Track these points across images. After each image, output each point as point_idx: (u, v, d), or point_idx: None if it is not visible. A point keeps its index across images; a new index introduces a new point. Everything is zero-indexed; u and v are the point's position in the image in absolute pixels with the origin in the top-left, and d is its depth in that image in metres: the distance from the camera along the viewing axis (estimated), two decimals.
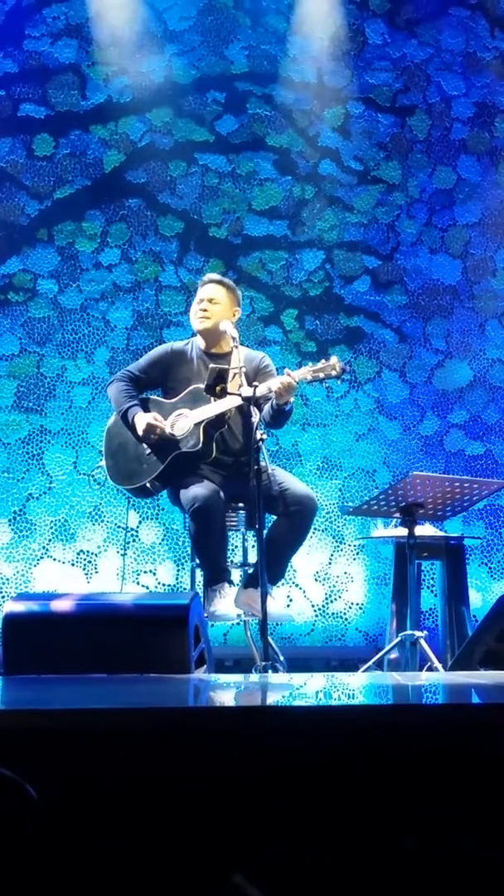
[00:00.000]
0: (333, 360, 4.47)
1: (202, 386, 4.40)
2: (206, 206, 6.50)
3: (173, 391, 4.69)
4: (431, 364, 6.56)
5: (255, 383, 4.30)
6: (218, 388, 4.29)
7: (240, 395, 4.24)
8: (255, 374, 4.64)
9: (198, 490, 4.37)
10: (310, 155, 6.61)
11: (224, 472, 4.59)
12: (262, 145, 6.58)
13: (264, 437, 4.09)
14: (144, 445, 4.59)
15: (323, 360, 4.48)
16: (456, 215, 6.68)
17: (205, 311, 4.72)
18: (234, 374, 4.35)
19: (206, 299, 4.74)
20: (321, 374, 4.43)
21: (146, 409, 4.65)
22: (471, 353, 6.59)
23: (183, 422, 4.55)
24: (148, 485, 4.60)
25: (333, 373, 4.44)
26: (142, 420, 4.58)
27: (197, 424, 4.51)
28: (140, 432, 4.56)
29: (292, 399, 4.50)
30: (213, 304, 4.72)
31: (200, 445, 4.49)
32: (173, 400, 4.64)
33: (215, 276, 4.91)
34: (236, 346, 4.48)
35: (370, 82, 6.70)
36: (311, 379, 4.44)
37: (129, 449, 4.64)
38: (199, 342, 4.79)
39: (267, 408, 4.51)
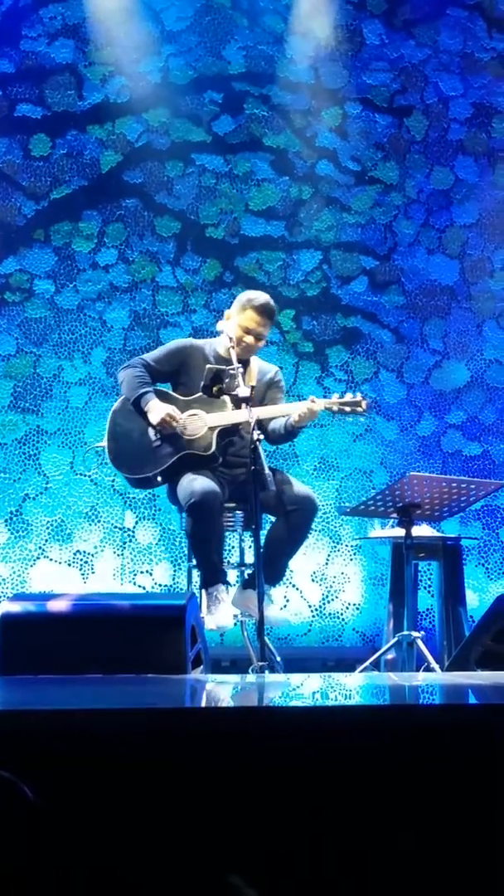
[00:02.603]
0: (360, 397, 4.51)
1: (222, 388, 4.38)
2: (203, 206, 6.50)
3: (183, 387, 4.65)
4: (429, 364, 6.56)
5: (251, 384, 4.31)
6: (215, 389, 4.29)
7: (237, 395, 4.23)
8: (267, 388, 4.65)
9: (195, 486, 4.35)
10: (307, 155, 6.61)
11: (232, 474, 4.58)
12: (259, 146, 6.59)
13: (261, 437, 4.09)
14: (152, 436, 4.54)
15: (350, 395, 4.53)
16: (453, 216, 6.68)
17: (252, 348, 4.62)
18: (232, 375, 4.33)
19: (255, 335, 4.61)
20: (347, 409, 4.48)
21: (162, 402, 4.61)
22: (468, 353, 6.59)
23: (197, 423, 4.53)
24: (151, 477, 4.57)
25: (359, 410, 4.50)
26: (159, 409, 4.52)
27: (211, 429, 4.50)
28: (154, 421, 4.52)
29: (307, 425, 4.56)
30: (259, 340, 4.65)
31: (213, 450, 4.48)
32: (188, 398, 4.60)
33: (272, 307, 4.68)
34: (233, 347, 4.45)
35: (367, 83, 6.70)
36: (336, 410, 4.49)
37: (135, 437, 4.58)
38: (219, 346, 4.73)
39: (280, 424, 4.52)
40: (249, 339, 4.56)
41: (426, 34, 6.78)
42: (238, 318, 4.61)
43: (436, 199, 6.69)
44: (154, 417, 4.52)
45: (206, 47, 6.60)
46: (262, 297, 4.69)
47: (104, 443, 4.68)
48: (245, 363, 4.59)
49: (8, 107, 6.42)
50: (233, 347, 4.44)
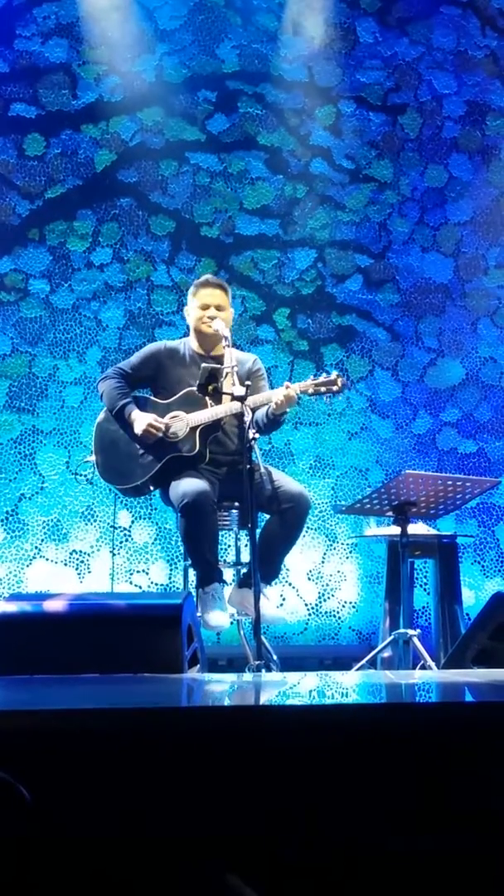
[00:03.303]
0: (335, 375, 4.50)
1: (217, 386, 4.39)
2: (197, 205, 6.50)
3: (164, 391, 4.67)
4: (424, 362, 6.57)
5: (247, 382, 4.31)
6: (210, 388, 4.29)
7: (231, 394, 4.23)
8: (247, 377, 4.64)
9: (187, 486, 4.36)
10: (301, 154, 6.61)
11: (221, 472, 4.59)
12: (253, 144, 6.59)
13: (256, 436, 4.09)
14: (137, 445, 4.57)
15: (324, 375, 4.52)
16: (448, 214, 6.69)
17: (213, 318, 4.62)
18: (227, 374, 4.35)
19: (214, 306, 4.66)
20: (322, 389, 4.48)
21: (143, 409, 4.63)
22: (463, 351, 6.60)
23: (178, 424, 4.54)
24: (141, 485, 4.59)
25: (335, 388, 4.49)
26: (141, 419, 4.55)
27: (193, 429, 4.51)
28: (138, 431, 4.54)
29: (288, 410, 4.54)
30: (221, 310, 4.66)
31: (198, 449, 4.49)
32: (168, 401, 4.62)
33: (216, 279, 4.83)
34: (228, 346, 4.48)
35: (361, 81, 6.70)
36: (312, 392, 4.48)
37: (121, 447, 4.61)
38: (193, 343, 4.76)
39: (262, 414, 4.52)
40: (211, 311, 4.62)
41: (420, 32, 6.78)
42: (193, 302, 4.71)
43: (430, 196, 6.69)
44: (137, 428, 4.54)
45: (200, 46, 6.60)
46: (204, 276, 4.88)
47: (93, 457, 4.71)
48: (220, 358, 4.59)
49: (2, 106, 6.42)
50: (227, 346, 4.46)
